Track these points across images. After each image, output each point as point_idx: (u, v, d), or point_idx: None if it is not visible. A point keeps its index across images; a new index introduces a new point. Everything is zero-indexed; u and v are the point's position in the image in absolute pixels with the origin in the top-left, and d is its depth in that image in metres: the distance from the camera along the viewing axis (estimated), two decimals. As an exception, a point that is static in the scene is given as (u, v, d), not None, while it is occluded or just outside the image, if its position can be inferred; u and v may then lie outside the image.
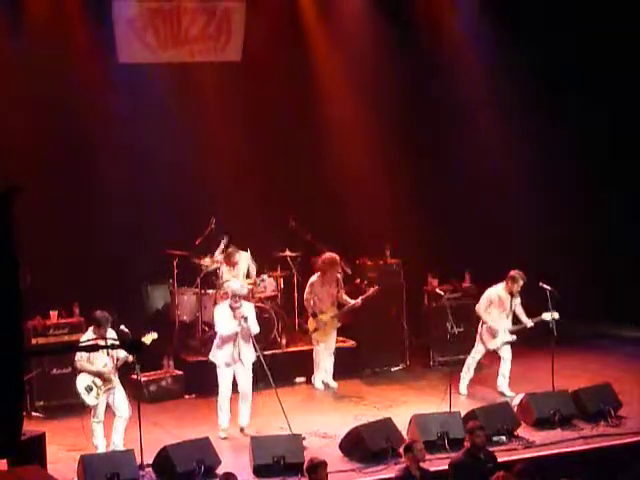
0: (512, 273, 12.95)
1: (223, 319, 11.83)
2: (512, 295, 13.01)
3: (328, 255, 13.82)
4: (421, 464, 9.82)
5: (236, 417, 11.98)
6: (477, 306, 13.14)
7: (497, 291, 13.11)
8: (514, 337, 13.05)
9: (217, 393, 12.02)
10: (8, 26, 14.35)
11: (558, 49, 16.08)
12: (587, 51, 16.02)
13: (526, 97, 16.20)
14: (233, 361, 11.79)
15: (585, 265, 16.15)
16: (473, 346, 13.29)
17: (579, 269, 15.87)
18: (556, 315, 12.65)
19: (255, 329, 11.85)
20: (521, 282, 12.90)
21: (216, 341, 11.98)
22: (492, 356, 13.47)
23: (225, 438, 11.76)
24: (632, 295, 15.74)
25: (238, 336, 11.71)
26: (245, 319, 11.67)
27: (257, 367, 11.87)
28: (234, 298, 11.74)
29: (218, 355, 11.92)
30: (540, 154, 16.45)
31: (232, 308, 11.74)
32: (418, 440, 10.25)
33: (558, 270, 14.39)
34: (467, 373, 13.18)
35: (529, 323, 12.96)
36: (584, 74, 16.27)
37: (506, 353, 13.12)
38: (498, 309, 13.01)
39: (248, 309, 11.89)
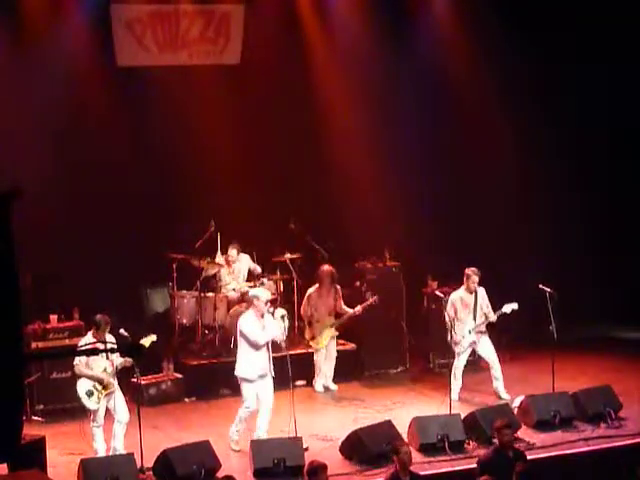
0: (466, 271, 13.16)
1: (255, 329, 11.30)
2: (472, 293, 13.11)
3: (322, 267, 13.85)
4: (412, 468, 9.78)
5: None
6: (446, 314, 13.15)
7: (458, 294, 13.25)
8: (479, 337, 13.09)
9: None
10: (6, 29, 14.36)
11: (558, 49, 16.09)
12: (587, 50, 16.04)
13: (526, 97, 16.22)
14: (265, 372, 11.34)
15: (585, 267, 16.16)
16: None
17: (579, 271, 15.88)
18: (515, 306, 12.85)
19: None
20: (474, 277, 13.05)
21: (244, 354, 11.35)
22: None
23: (239, 451, 11.42)
24: (632, 296, 15.74)
25: (269, 344, 11.36)
26: (283, 317, 11.41)
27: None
28: (263, 303, 11.34)
29: (249, 368, 11.29)
30: (539, 154, 16.46)
31: (261, 315, 11.29)
32: (405, 443, 10.20)
33: (558, 272, 14.41)
34: (455, 382, 13.07)
35: (492, 318, 13.03)
36: (584, 72, 16.28)
37: (490, 355, 13.15)
38: (464, 310, 13.09)
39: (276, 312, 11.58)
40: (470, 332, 13.06)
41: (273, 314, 11.48)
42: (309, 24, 16.26)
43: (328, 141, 16.35)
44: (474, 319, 13.08)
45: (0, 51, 14.37)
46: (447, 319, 13.07)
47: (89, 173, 14.80)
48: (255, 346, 11.26)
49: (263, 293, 11.63)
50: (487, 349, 13.16)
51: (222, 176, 15.43)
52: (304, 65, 16.24)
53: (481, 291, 13.17)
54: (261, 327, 11.32)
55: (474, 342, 13.13)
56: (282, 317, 11.43)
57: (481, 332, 13.13)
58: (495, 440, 10.34)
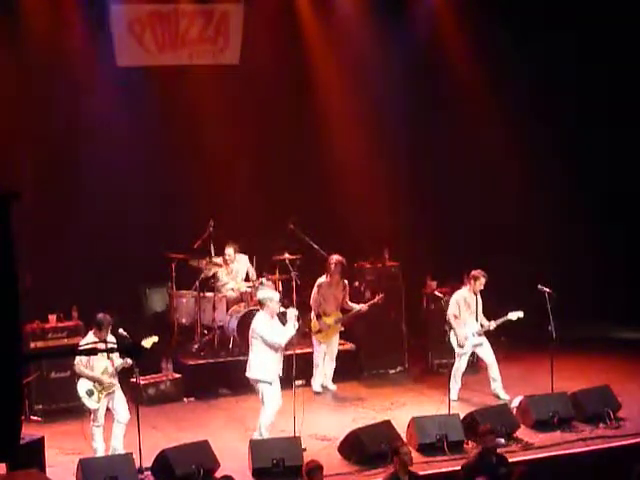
0: (473, 272, 13.12)
1: (272, 330, 11.27)
2: (476, 294, 13.12)
3: (333, 257, 13.81)
4: (411, 468, 9.80)
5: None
6: (447, 314, 13.13)
7: (462, 293, 13.22)
8: (481, 339, 13.10)
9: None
10: (6, 31, 14.36)
11: (557, 48, 16.08)
12: (586, 50, 16.04)
13: (525, 97, 16.21)
14: (279, 373, 11.34)
15: (584, 267, 16.15)
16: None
17: (578, 271, 15.88)
18: (520, 314, 12.81)
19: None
20: (483, 279, 13.02)
21: (260, 356, 11.24)
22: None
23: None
24: (630, 296, 15.74)
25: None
26: (298, 318, 11.41)
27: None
28: (276, 303, 11.35)
29: (266, 370, 11.22)
30: (539, 154, 16.44)
31: (272, 315, 11.30)
32: (404, 444, 10.21)
33: (557, 272, 14.41)
34: (454, 384, 13.05)
35: (492, 325, 13.04)
36: (584, 72, 16.27)
37: (489, 357, 13.14)
38: (467, 311, 13.09)
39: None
40: (473, 335, 13.04)
41: (285, 314, 11.43)
42: (308, 23, 16.26)
43: (327, 141, 16.35)
44: (476, 320, 13.07)
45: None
46: (449, 319, 13.05)
47: (88, 173, 14.79)
48: (273, 347, 11.19)
49: (274, 294, 11.65)
50: (486, 350, 13.15)
51: (221, 176, 15.43)
52: (303, 65, 16.24)
53: (479, 297, 13.18)
54: (273, 327, 11.32)
55: (476, 345, 13.12)
56: (295, 317, 11.37)
57: (480, 334, 13.14)
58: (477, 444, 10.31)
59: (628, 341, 15.74)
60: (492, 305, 13.29)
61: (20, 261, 4.59)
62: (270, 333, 11.19)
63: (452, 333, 13.01)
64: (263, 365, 11.22)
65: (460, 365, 13.12)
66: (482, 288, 13.07)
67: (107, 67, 15.08)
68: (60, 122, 14.62)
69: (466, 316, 13.07)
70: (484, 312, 13.18)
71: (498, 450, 10.35)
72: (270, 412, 11.31)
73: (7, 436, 4.62)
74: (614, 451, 11.22)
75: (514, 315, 12.89)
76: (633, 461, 10.18)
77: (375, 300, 13.84)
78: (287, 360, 11.41)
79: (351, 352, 14.56)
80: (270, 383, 11.22)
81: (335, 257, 13.78)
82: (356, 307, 13.82)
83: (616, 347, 15.37)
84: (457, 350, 13.05)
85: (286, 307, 11.72)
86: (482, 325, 13.07)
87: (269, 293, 11.76)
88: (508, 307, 13.02)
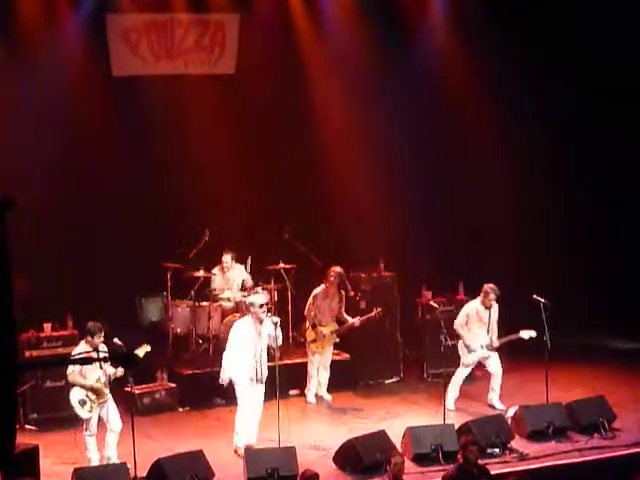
0: (485, 286, 13.08)
1: (247, 333, 11.46)
2: (488, 308, 13.07)
3: (334, 269, 13.80)
4: (405, 478, 9.80)
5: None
6: (455, 322, 13.13)
7: (475, 305, 13.19)
8: (490, 353, 13.06)
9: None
10: (1, 40, 14.36)
11: (554, 48, 16.09)
12: (585, 50, 16.06)
13: (522, 101, 16.22)
14: (256, 377, 11.50)
15: (579, 277, 16.15)
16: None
17: (573, 280, 15.88)
18: (533, 333, 12.73)
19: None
20: (492, 295, 12.97)
21: (233, 358, 11.51)
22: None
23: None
24: (626, 307, 15.75)
25: (261, 350, 11.52)
26: (276, 325, 11.49)
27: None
28: (259, 307, 11.45)
29: (239, 371, 11.48)
30: (538, 158, 16.44)
31: (260, 321, 11.42)
32: (397, 454, 10.21)
33: (552, 282, 14.41)
34: (452, 392, 13.07)
35: (495, 343, 13.01)
36: (583, 74, 16.29)
37: (495, 368, 13.12)
38: (477, 323, 13.06)
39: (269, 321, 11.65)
40: (482, 347, 13.02)
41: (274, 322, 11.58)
42: (304, 33, 16.29)
43: (323, 150, 16.36)
44: (487, 333, 13.05)
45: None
46: (457, 329, 12.99)
47: (84, 182, 14.80)
48: (245, 350, 11.39)
49: (257, 298, 11.73)
50: (495, 364, 13.11)
51: (217, 185, 15.43)
52: (299, 74, 16.25)
53: (495, 307, 13.13)
54: (257, 333, 11.40)
55: (484, 357, 13.10)
56: (275, 324, 11.48)
57: (490, 348, 13.10)
58: (459, 456, 10.22)
59: (624, 351, 15.75)
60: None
61: (17, 270, 4.58)
62: (235, 336, 11.45)
63: (460, 342, 13.00)
64: (236, 365, 11.44)
65: (462, 374, 13.11)
66: (492, 303, 13.02)
67: (103, 77, 15.09)
68: (56, 132, 14.59)
69: (475, 328, 13.05)
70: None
71: (480, 462, 10.30)
72: (243, 414, 11.44)
73: (1, 445, 4.60)
74: (609, 462, 11.21)
75: (526, 334, 12.81)
76: (628, 472, 10.18)
77: (372, 314, 13.79)
78: (273, 370, 11.46)
79: (346, 362, 14.54)
80: (242, 384, 11.41)
81: (335, 269, 13.78)
82: (350, 320, 13.80)
83: (612, 357, 15.36)
84: (464, 360, 13.03)
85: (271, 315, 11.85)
86: (492, 340, 13.04)
87: (252, 298, 11.87)
88: (505, 315, 13.01)
